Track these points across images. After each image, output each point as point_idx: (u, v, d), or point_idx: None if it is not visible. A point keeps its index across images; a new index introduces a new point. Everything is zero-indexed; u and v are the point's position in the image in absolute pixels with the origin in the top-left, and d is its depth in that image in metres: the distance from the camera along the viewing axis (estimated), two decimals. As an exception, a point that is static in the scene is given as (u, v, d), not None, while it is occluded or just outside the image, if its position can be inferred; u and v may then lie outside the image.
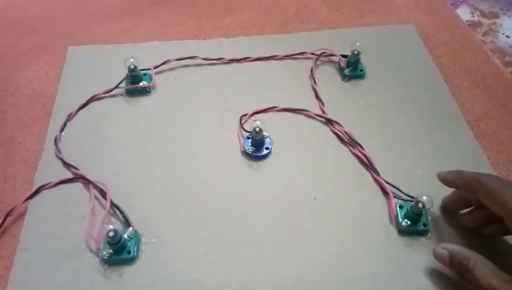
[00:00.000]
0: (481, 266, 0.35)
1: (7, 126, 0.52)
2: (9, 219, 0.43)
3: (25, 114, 0.53)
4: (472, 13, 0.70)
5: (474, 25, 0.68)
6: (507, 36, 0.67)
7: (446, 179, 0.42)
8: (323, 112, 0.53)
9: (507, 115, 0.54)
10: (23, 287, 0.39)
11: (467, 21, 0.66)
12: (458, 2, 0.69)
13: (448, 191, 0.46)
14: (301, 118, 0.53)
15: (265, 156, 0.49)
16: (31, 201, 0.44)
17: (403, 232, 0.43)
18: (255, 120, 0.47)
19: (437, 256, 0.39)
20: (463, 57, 0.61)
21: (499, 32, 0.68)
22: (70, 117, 0.51)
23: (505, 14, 0.70)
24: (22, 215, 0.43)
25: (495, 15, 0.70)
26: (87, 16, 0.66)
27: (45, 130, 0.51)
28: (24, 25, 0.65)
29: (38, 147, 0.49)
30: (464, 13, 0.70)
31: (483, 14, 0.69)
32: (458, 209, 0.44)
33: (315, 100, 0.54)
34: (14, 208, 0.43)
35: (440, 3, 0.69)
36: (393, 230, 0.43)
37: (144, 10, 0.67)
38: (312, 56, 0.59)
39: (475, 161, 0.49)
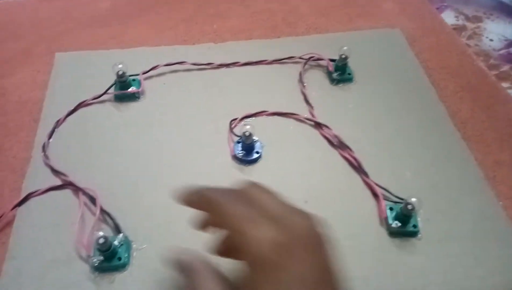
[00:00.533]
0: (206, 274, 0.30)
1: (-7, 133, 0.51)
2: (-4, 228, 0.42)
3: (11, 121, 0.52)
4: (457, 17, 0.71)
5: (459, 29, 0.69)
6: (491, 40, 0.69)
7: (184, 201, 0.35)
8: (313, 115, 0.53)
9: (492, 117, 0.55)
10: (12, 297, 0.38)
11: (452, 25, 0.68)
12: (443, 7, 0.70)
13: (439, 192, 0.47)
14: (291, 122, 0.53)
15: (255, 160, 0.49)
16: (19, 209, 0.43)
17: (393, 233, 0.43)
18: (245, 125, 0.47)
19: (170, 265, 0.32)
20: (448, 61, 0.62)
21: (483, 35, 0.69)
22: (58, 123, 0.51)
23: (488, 18, 0.72)
24: (9, 223, 0.43)
25: (479, 19, 0.71)
26: (73, 22, 0.66)
27: (32, 136, 0.50)
28: (9, 31, 0.64)
29: (26, 154, 0.48)
30: (449, 17, 0.72)
31: (467, 18, 0.70)
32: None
33: (305, 104, 0.55)
34: (1, 215, 0.42)
35: (425, 8, 0.70)
36: (383, 232, 0.44)
37: (132, 16, 0.67)
38: (301, 60, 0.59)
39: (463, 162, 0.50)
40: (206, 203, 0.32)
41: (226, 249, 0.32)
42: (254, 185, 0.32)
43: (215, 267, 0.31)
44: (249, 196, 0.31)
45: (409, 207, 0.42)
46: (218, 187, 0.32)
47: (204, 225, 0.34)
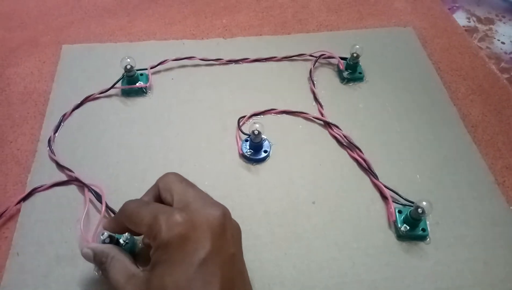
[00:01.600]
0: (115, 262, 0.34)
1: (-2, 125, 0.50)
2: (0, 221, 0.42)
3: (16, 112, 0.51)
4: (468, 18, 0.70)
5: (470, 30, 0.68)
6: (503, 43, 0.68)
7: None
8: (322, 115, 0.52)
9: (503, 121, 0.54)
10: (15, 293, 0.38)
11: (464, 26, 0.67)
12: (454, 7, 0.69)
13: (448, 195, 0.46)
14: (299, 120, 0.52)
15: (263, 159, 0.48)
16: (24, 204, 0.43)
17: (402, 237, 0.43)
18: (254, 123, 0.46)
19: (84, 256, 0.36)
20: (460, 63, 0.61)
21: (494, 38, 0.68)
22: (64, 117, 0.50)
23: (500, 20, 0.70)
24: (13, 217, 0.42)
25: (490, 21, 0.70)
26: (81, 12, 0.65)
27: (37, 129, 0.49)
28: (16, 19, 0.63)
29: (30, 147, 0.48)
30: (461, 18, 0.70)
31: (479, 20, 0.69)
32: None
33: (314, 103, 0.54)
34: (6, 210, 0.42)
35: (437, 7, 0.69)
36: (391, 235, 0.43)
37: (141, 7, 0.66)
38: (311, 58, 0.58)
39: (473, 166, 0.49)
40: (124, 220, 0.34)
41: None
42: (170, 175, 0.36)
43: (125, 253, 0.35)
44: (165, 188, 0.35)
45: (420, 210, 0.41)
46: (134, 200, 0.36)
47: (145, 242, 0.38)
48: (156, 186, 0.36)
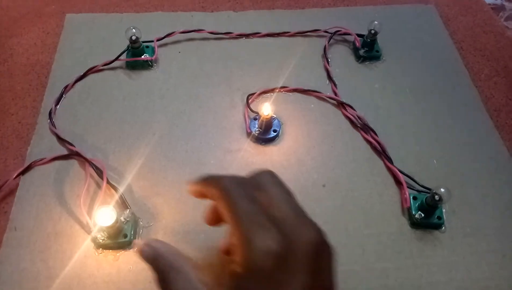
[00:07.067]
0: (178, 278, 0.27)
1: (-1, 96, 0.49)
2: (-2, 195, 0.41)
3: (18, 84, 0.50)
4: (495, -5, 0.66)
5: (497, 8, 0.64)
6: (531, 22, 0.64)
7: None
8: (336, 94, 0.50)
9: (529, 105, 0.51)
10: (12, 268, 0.36)
11: (490, 4, 0.63)
12: (480, -16, 0.65)
13: (467, 183, 0.44)
14: (312, 99, 0.50)
15: (272, 139, 0.46)
16: (22, 177, 0.42)
17: (416, 224, 0.41)
18: (263, 101, 0.44)
19: (142, 255, 0.29)
20: (484, 42, 0.58)
21: (522, 17, 0.64)
22: (66, 89, 0.48)
23: (529, -3, 0.66)
24: (12, 192, 0.41)
25: (519, -1, 0.66)
26: (87, -18, 0.62)
27: (39, 102, 0.48)
28: (20, -12, 0.61)
29: (32, 120, 0.46)
30: (487, -5, 0.66)
31: (507, -3, 0.65)
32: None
33: (327, 81, 0.51)
34: (4, 183, 0.40)
35: (462, -17, 0.65)
36: (405, 222, 0.41)
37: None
38: (326, 34, 0.55)
39: (494, 153, 0.47)
40: (215, 191, 0.28)
41: (228, 248, 0.32)
42: (268, 174, 0.29)
43: (194, 263, 0.28)
44: (260, 187, 0.28)
45: (436, 197, 0.39)
46: (228, 175, 0.29)
47: (214, 221, 0.32)
48: (235, 178, 0.29)
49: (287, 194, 0.28)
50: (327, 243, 0.27)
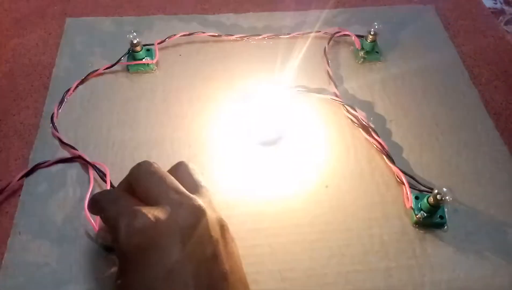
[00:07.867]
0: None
1: (1, 97, 0.49)
2: (1, 196, 0.40)
3: (20, 84, 0.50)
4: (495, 0, 0.66)
5: (497, 12, 0.64)
6: (530, 27, 0.64)
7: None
8: (336, 95, 0.50)
9: (528, 109, 0.51)
10: (17, 273, 0.36)
11: (490, 8, 0.63)
12: (480, -12, 0.65)
13: (468, 182, 0.44)
14: (313, 100, 0.50)
15: (274, 140, 0.46)
16: (26, 180, 0.42)
17: (418, 224, 0.41)
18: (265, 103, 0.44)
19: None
20: (484, 46, 0.58)
21: (523, 21, 0.64)
22: (68, 93, 0.48)
23: (529, 2, 0.67)
24: (15, 193, 0.41)
25: (519, 3, 0.66)
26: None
27: (41, 102, 0.48)
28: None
29: (33, 121, 0.46)
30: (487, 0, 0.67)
31: (506, 2, 0.65)
32: None
33: (328, 82, 0.52)
34: (7, 185, 0.40)
35: (461, -14, 0.66)
36: (407, 222, 0.41)
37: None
38: (326, 35, 0.56)
39: (495, 154, 0.47)
40: (97, 209, 0.32)
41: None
42: (140, 167, 0.32)
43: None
44: (137, 183, 0.31)
45: (439, 197, 0.39)
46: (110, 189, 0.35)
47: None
48: (126, 179, 0.32)
49: (162, 179, 0.31)
50: (205, 216, 0.29)
